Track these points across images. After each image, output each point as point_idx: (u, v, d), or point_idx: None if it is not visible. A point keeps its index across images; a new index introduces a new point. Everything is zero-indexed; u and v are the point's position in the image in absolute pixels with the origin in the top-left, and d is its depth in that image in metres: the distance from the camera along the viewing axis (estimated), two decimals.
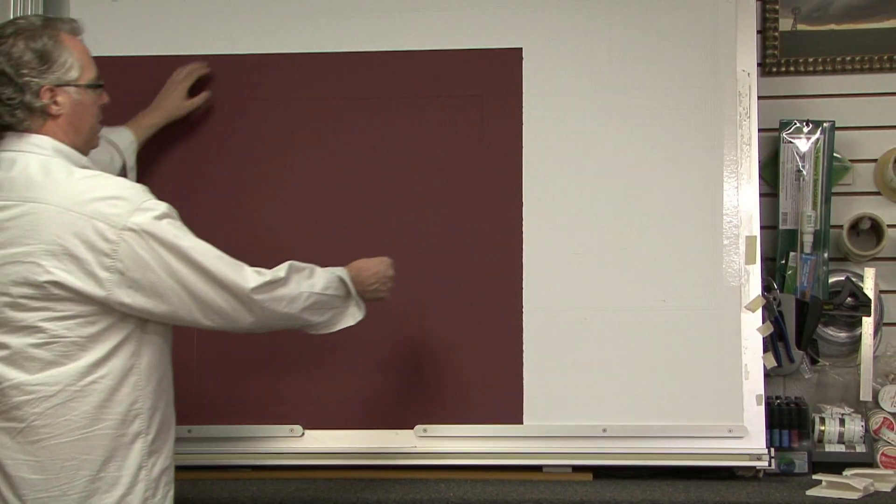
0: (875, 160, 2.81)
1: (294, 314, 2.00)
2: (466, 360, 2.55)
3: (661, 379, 2.52)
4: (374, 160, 2.61)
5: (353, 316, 2.14)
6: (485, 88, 2.61)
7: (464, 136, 2.60)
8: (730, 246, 2.55)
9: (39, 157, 1.89)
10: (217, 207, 2.59)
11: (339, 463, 2.53)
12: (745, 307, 2.53)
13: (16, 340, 1.84)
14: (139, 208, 1.84)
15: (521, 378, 2.54)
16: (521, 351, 2.55)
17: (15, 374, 1.83)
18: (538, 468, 2.54)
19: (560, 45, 2.62)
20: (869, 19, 2.83)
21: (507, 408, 2.53)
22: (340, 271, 2.11)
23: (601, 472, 2.53)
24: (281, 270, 1.97)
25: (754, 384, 2.50)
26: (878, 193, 2.82)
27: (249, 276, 1.91)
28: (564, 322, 2.55)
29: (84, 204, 1.82)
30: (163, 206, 1.88)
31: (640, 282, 2.56)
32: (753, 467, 2.50)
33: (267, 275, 1.94)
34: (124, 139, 2.46)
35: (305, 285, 2.00)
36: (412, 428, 2.54)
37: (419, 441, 2.53)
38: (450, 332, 2.56)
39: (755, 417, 2.49)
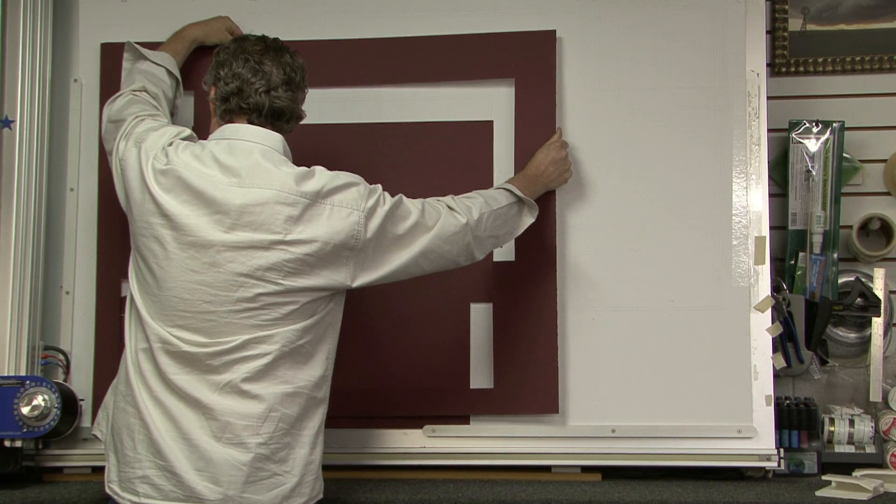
0: (885, 160, 2.81)
1: (486, 236, 2.23)
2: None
3: (670, 379, 2.52)
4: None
5: (529, 218, 2.36)
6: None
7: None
8: (739, 246, 2.55)
9: (273, 151, 2.06)
10: None
11: (347, 463, 2.53)
12: (755, 307, 2.53)
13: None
14: (370, 190, 2.06)
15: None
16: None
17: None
18: (547, 468, 2.54)
19: (565, 48, 2.61)
20: (879, 19, 2.83)
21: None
22: (505, 184, 2.34)
23: (610, 473, 2.53)
24: (463, 209, 2.17)
25: (763, 385, 2.50)
26: (887, 194, 2.81)
27: (459, 217, 2.15)
28: (573, 322, 2.54)
29: (325, 195, 2.00)
30: (379, 187, 2.10)
31: (649, 282, 2.55)
32: (763, 468, 2.49)
33: (462, 212, 2.17)
34: (167, 59, 2.48)
35: (483, 208, 2.21)
36: (421, 428, 2.54)
37: (428, 441, 2.53)
38: (459, 334, 2.56)
39: (764, 418, 2.48)
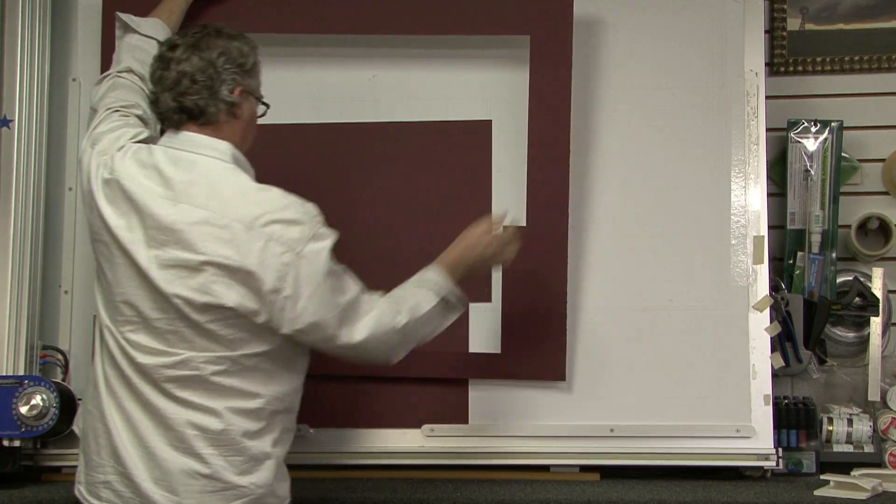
0: (883, 160, 2.81)
1: (407, 340, 2.07)
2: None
3: (669, 379, 2.52)
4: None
5: (455, 314, 2.18)
6: None
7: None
8: (737, 246, 2.55)
9: (219, 162, 1.96)
10: None
11: (345, 462, 2.53)
12: (753, 307, 2.53)
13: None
14: (315, 235, 1.91)
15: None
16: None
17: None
18: (545, 468, 2.54)
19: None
20: (877, 19, 2.83)
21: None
22: (434, 277, 2.11)
23: (608, 472, 2.53)
24: (390, 316, 2.01)
25: (762, 384, 2.50)
26: (886, 193, 2.81)
27: (388, 319, 2.00)
28: (571, 322, 2.54)
29: (264, 225, 1.88)
30: (331, 236, 1.94)
31: (648, 282, 2.56)
32: (761, 467, 2.50)
33: (384, 324, 2.00)
34: (159, 29, 2.39)
35: (407, 315, 2.04)
36: (419, 427, 2.54)
37: (426, 441, 2.53)
38: (456, 333, 2.55)
39: (763, 417, 2.49)
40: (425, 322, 2.09)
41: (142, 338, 1.93)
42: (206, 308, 1.89)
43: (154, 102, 2.03)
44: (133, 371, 1.94)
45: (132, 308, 1.94)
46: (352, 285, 1.98)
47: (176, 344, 1.92)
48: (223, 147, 1.99)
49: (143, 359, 1.93)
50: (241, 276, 1.87)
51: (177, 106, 1.98)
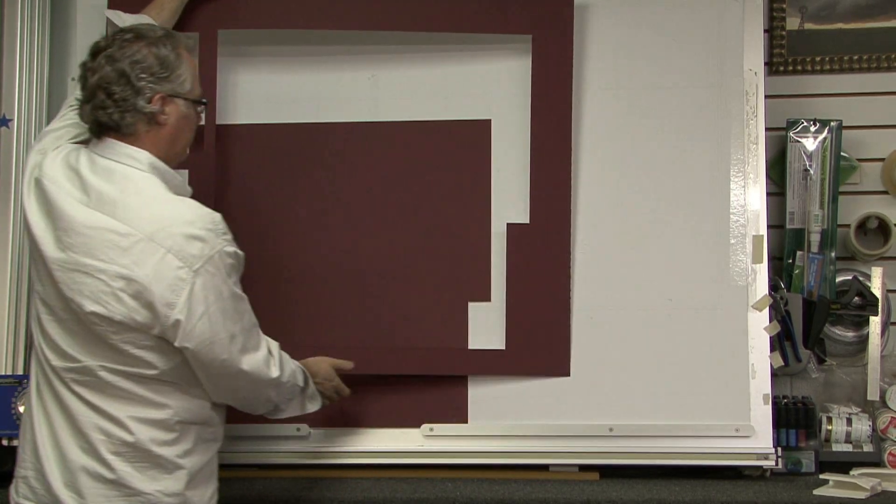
0: (882, 159, 2.81)
1: (275, 396, 2.09)
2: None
3: (668, 378, 2.52)
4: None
5: (309, 407, 2.22)
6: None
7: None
8: (737, 245, 2.55)
9: (136, 171, 1.92)
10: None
11: (345, 462, 2.53)
12: (752, 306, 2.53)
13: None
14: (217, 254, 1.87)
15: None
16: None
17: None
18: (545, 467, 2.54)
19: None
20: (876, 18, 2.83)
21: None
22: (301, 367, 2.16)
23: (608, 472, 2.53)
24: (274, 366, 2.02)
25: (761, 383, 2.50)
26: (885, 192, 2.81)
27: (273, 367, 2.01)
28: (571, 321, 2.54)
29: (165, 237, 1.84)
30: (235, 256, 1.91)
31: (647, 281, 2.55)
32: (760, 467, 2.49)
33: (276, 368, 2.03)
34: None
35: (287, 377, 2.07)
36: (419, 427, 2.53)
37: (426, 440, 2.53)
38: (455, 331, 2.56)
39: (762, 417, 2.48)
40: (292, 394, 2.13)
41: (56, 336, 1.92)
42: (99, 319, 1.86)
43: (79, 114, 2.00)
44: (50, 370, 1.94)
45: (46, 306, 1.94)
46: (249, 316, 1.96)
47: (85, 346, 1.90)
48: (141, 156, 1.94)
49: (54, 361, 1.93)
50: (134, 287, 1.84)
51: (94, 119, 1.95)
